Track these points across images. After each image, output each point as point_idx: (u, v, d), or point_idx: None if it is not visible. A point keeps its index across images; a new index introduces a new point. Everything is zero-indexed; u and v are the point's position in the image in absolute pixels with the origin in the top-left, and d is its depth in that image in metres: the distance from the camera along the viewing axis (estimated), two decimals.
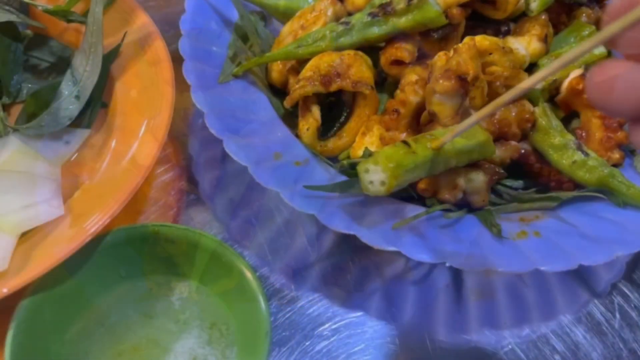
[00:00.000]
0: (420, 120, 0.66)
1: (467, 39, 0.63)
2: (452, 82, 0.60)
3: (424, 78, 0.65)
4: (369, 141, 0.66)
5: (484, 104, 0.65)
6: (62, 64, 0.75)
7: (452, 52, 0.62)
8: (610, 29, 0.31)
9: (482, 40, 0.65)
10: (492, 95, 0.65)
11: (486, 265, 0.56)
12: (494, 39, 0.66)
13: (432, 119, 0.63)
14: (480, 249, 0.58)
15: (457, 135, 0.54)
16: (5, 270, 0.52)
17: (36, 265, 0.51)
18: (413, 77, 0.65)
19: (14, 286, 0.50)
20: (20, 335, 0.50)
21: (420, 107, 0.65)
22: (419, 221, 0.61)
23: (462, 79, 0.60)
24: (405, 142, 0.58)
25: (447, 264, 0.56)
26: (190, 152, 0.76)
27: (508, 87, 0.66)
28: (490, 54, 0.65)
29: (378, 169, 0.55)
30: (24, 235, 0.56)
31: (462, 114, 0.63)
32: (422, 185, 0.63)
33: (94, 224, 0.54)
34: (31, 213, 0.56)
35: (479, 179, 0.62)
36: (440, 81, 0.60)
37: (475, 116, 0.50)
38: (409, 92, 0.64)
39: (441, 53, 0.63)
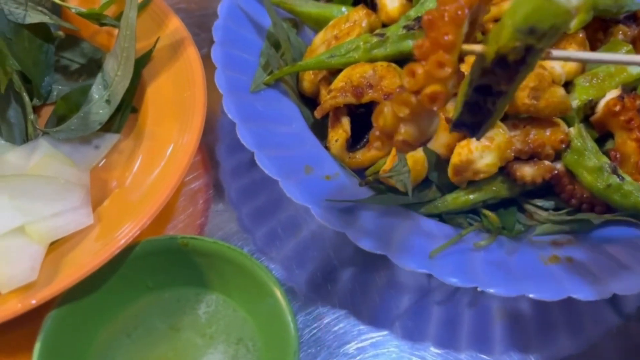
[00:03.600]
0: None
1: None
2: None
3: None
4: None
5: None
6: (92, 66, 0.74)
7: None
8: None
9: None
10: (518, 105, 0.64)
11: (519, 291, 0.56)
12: None
13: None
14: (512, 274, 0.58)
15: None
16: (35, 281, 0.51)
17: (65, 277, 0.51)
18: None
19: (42, 298, 0.50)
20: (48, 346, 0.50)
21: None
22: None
23: None
24: None
25: (479, 289, 0.55)
26: (217, 158, 0.76)
27: (536, 98, 0.65)
28: None
29: None
30: (52, 244, 0.55)
31: None
32: None
33: (124, 235, 0.54)
34: (60, 222, 0.55)
35: None
36: None
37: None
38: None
39: None
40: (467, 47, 0.41)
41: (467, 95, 0.43)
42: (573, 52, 0.41)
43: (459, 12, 0.40)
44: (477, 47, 0.41)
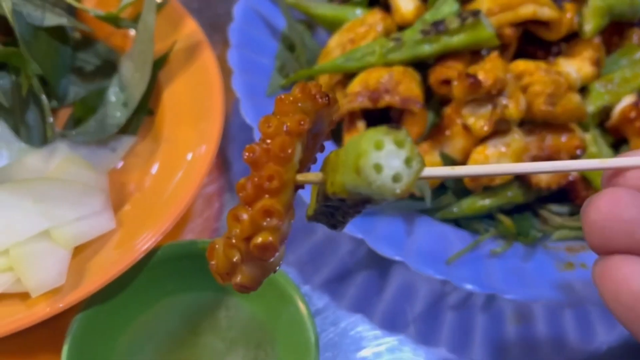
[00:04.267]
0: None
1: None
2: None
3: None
4: None
5: (520, 115, 0.64)
6: (108, 67, 0.74)
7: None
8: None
9: (517, 66, 0.65)
10: (534, 111, 0.65)
11: (536, 298, 0.56)
12: (531, 62, 0.66)
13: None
14: (528, 281, 0.58)
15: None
16: (61, 285, 0.52)
17: (91, 282, 0.52)
18: None
19: (69, 302, 0.51)
20: (75, 349, 0.51)
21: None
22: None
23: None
24: None
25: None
26: (230, 159, 0.76)
27: (553, 104, 0.65)
28: (531, 74, 0.65)
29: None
30: (75, 249, 0.56)
31: (497, 123, 0.63)
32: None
33: (146, 241, 0.54)
34: (84, 226, 0.56)
35: None
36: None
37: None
38: None
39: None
40: (301, 177, 0.35)
41: (317, 207, 0.38)
42: (444, 169, 0.37)
43: (282, 154, 0.33)
44: (314, 178, 0.35)
